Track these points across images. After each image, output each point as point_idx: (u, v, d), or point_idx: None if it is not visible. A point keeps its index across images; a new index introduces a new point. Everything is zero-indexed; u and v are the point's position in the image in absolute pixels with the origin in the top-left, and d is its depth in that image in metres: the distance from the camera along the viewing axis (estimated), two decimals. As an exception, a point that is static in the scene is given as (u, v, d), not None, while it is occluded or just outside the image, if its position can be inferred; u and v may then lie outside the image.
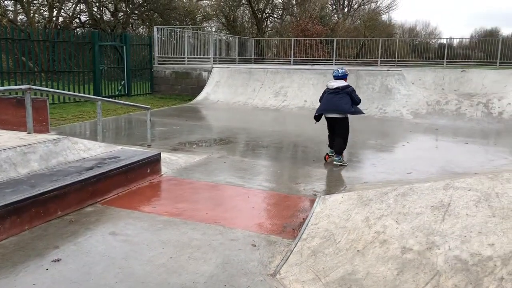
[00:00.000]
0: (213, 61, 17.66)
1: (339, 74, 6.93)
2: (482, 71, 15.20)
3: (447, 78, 15.03)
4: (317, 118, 7.06)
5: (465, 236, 3.10)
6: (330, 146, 7.16)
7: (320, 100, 7.07)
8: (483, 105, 12.15)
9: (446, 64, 19.73)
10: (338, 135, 6.84)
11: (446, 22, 70.12)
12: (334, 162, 6.75)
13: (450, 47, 22.26)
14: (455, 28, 70.23)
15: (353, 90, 6.80)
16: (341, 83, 6.78)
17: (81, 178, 4.42)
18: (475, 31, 46.67)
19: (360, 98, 6.93)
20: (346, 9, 37.10)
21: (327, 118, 6.97)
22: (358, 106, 6.87)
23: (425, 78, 15.23)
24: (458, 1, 68.98)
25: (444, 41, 23.08)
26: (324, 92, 6.99)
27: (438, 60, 21.29)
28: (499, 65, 18.91)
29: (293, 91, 14.40)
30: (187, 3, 30.94)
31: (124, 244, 3.62)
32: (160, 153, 5.79)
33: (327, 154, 7.12)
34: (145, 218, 4.22)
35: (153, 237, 3.78)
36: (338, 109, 6.67)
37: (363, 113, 7.13)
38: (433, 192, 3.76)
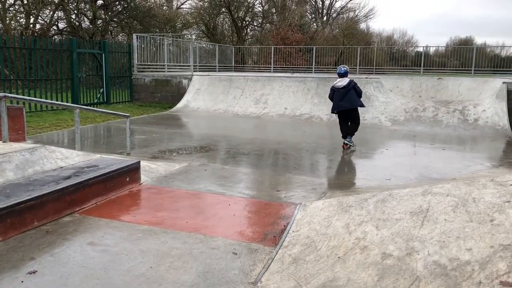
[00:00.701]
0: (193, 68, 17.63)
1: (342, 72, 8.59)
2: (458, 79, 15.56)
3: (424, 86, 15.34)
4: (337, 113, 8.71)
5: (444, 241, 3.14)
6: (344, 136, 8.68)
7: (330, 98, 8.74)
8: (459, 112, 12.40)
9: (423, 72, 20.11)
10: (354, 122, 8.66)
11: (422, 31, 71.58)
12: (348, 142, 8.58)
13: (427, 55, 22.74)
14: (431, 37, 71.73)
15: (355, 83, 8.54)
16: (345, 81, 8.46)
17: (58, 188, 4.33)
18: (451, 39, 47.74)
19: (360, 89, 8.64)
20: (325, 18, 37.56)
21: (341, 112, 8.57)
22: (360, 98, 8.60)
23: (402, 86, 15.52)
24: (433, 11, 70.52)
25: (420, 49, 23.51)
26: (332, 91, 8.63)
27: (415, 68, 21.68)
28: (474, 73, 19.35)
29: (273, 99, 14.46)
30: (167, 11, 30.89)
31: (102, 254, 3.56)
32: (139, 161, 5.73)
33: (344, 143, 8.68)
34: (124, 228, 4.16)
35: (133, 247, 3.72)
36: (352, 104, 8.41)
37: (364, 106, 9.01)
38: (412, 198, 3.80)
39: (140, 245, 3.77)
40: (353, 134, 8.67)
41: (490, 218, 3.22)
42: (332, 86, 8.65)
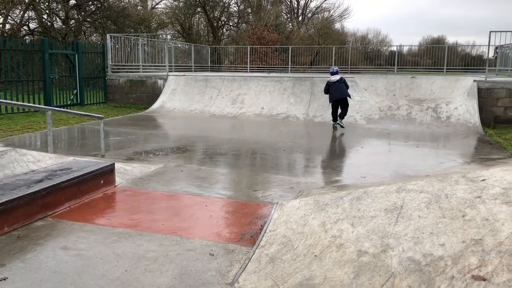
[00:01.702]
0: (169, 69, 17.47)
1: (334, 71, 11.39)
2: (431, 77, 15.86)
3: (398, 84, 15.57)
4: (334, 104, 11.29)
5: (418, 238, 3.19)
6: (335, 119, 11.38)
7: (325, 91, 11.36)
8: (432, 110, 12.63)
9: (397, 71, 20.41)
10: (344, 108, 11.24)
11: (396, 30, 72.73)
12: (339, 123, 11.23)
13: (400, 55, 23.10)
14: (404, 36, 72.94)
15: (345, 79, 11.26)
16: (338, 77, 11.10)
17: (30, 191, 4.23)
18: (423, 39, 48.59)
19: (347, 84, 11.39)
20: (300, 18, 37.77)
21: (335, 101, 11.15)
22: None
23: (377, 85, 15.72)
24: (405, 11, 71.72)
25: (394, 48, 23.90)
26: (328, 86, 11.19)
27: (389, 67, 22.00)
28: (446, 71, 19.76)
29: (250, 99, 14.46)
30: (142, 11, 30.54)
31: (76, 259, 3.49)
32: (114, 163, 5.64)
33: (334, 125, 11.47)
34: (99, 231, 4.09)
35: (107, 250, 3.66)
36: (342, 94, 11.03)
37: (351, 97, 11.44)
38: (386, 195, 3.85)
39: (115, 248, 3.71)
40: (344, 117, 11.29)
41: (462, 214, 3.29)
42: (328, 82, 11.24)
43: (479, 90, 12.54)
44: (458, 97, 12.99)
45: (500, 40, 13.93)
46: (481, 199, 3.37)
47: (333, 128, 11.41)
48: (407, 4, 70.81)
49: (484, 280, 2.63)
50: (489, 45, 13.48)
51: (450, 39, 51.62)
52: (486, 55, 18.22)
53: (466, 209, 3.32)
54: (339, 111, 11.34)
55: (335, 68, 11.55)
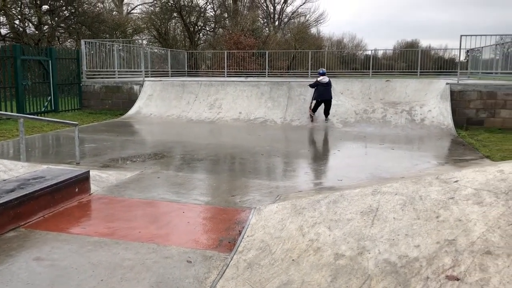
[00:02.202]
0: (145, 74, 17.33)
1: (323, 72, 13.12)
2: (405, 81, 16.14)
3: (373, 88, 15.81)
4: (319, 100, 12.91)
5: (393, 239, 3.23)
6: (314, 111, 13.05)
7: (312, 86, 12.96)
8: (407, 113, 12.85)
9: (372, 74, 20.72)
10: (329, 107, 12.84)
11: (370, 35, 73.87)
12: (326, 120, 12.83)
13: (375, 58, 23.48)
14: (379, 40, 74.14)
15: (331, 82, 13.02)
16: (327, 79, 12.81)
17: (0, 202, 4.12)
18: (397, 43, 49.42)
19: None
20: (276, 23, 37.99)
21: (321, 100, 12.78)
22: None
23: (353, 88, 15.93)
24: (380, 15, 72.95)
25: (369, 52, 24.25)
26: (317, 84, 12.78)
27: (365, 70, 22.33)
28: (420, 75, 20.15)
29: (227, 103, 14.45)
30: (117, 16, 30.24)
31: (50, 270, 3.41)
32: (89, 171, 5.55)
33: (311, 115, 13.10)
34: (74, 240, 4.01)
35: (82, 260, 3.59)
36: (330, 96, 12.77)
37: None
38: (362, 198, 3.89)
39: (91, 257, 3.64)
40: (328, 115, 12.85)
41: (436, 215, 3.35)
42: (317, 81, 12.81)
43: (452, 93, 12.82)
44: (432, 100, 13.25)
45: (471, 43, 14.31)
46: (454, 200, 3.44)
47: (311, 118, 13.07)
48: (380, 8, 72.05)
49: (458, 280, 2.68)
50: (460, 48, 13.80)
51: (424, 43, 52.67)
52: (458, 59, 18.65)
53: (440, 210, 3.38)
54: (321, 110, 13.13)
55: (324, 70, 13.43)
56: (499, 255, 2.76)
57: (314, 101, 13.05)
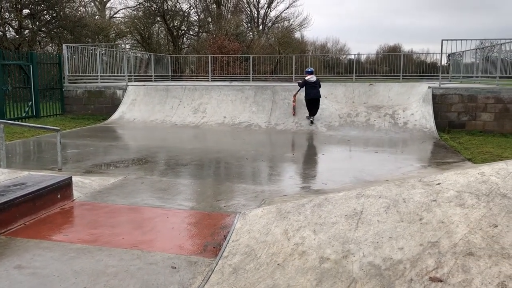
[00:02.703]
0: (128, 79, 17.20)
1: (310, 71, 13.35)
2: (388, 84, 16.30)
3: (356, 92, 15.93)
4: (307, 100, 12.97)
5: (378, 242, 3.25)
6: (310, 114, 13.01)
7: (301, 85, 13.11)
8: (390, 116, 12.99)
9: (355, 78, 20.88)
10: (316, 107, 12.97)
11: (353, 39, 74.60)
12: (311, 119, 12.93)
13: (359, 62, 23.67)
14: (362, 44, 74.89)
15: (320, 82, 13.25)
16: (314, 78, 12.98)
17: (-19, 209, 4.04)
18: (380, 47, 49.99)
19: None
20: (260, 27, 38.09)
21: (310, 99, 12.83)
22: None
23: (336, 92, 16.02)
24: (362, 20, 73.71)
25: (353, 57, 24.46)
26: (304, 83, 12.97)
27: (348, 74, 22.48)
28: (402, 78, 20.37)
29: (212, 108, 14.42)
30: (99, 20, 29.98)
31: (31, 278, 3.35)
32: (71, 177, 5.47)
33: (309, 118, 13.03)
34: (56, 248, 3.95)
35: (65, 267, 3.54)
36: (318, 95, 12.88)
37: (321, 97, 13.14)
38: (346, 201, 3.91)
39: (73, 265, 3.59)
40: (315, 114, 13.01)
41: (419, 217, 3.38)
42: (305, 80, 13.00)
43: (434, 96, 13.00)
44: (414, 103, 13.41)
45: (452, 48, 14.56)
46: (437, 203, 3.48)
47: (310, 121, 13.02)
48: (363, 12, 72.81)
49: (441, 281, 2.71)
50: (441, 52, 14.03)
51: (406, 47, 53.35)
52: (440, 63, 18.94)
53: (423, 213, 3.42)
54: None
55: (311, 69, 13.64)
56: (481, 256, 2.80)
57: (301, 90, 13.24)
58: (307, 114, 13.14)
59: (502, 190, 3.37)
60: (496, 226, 3.03)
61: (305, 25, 38.82)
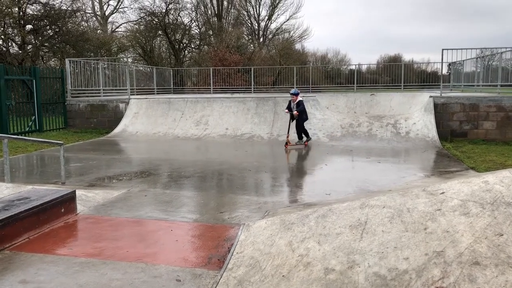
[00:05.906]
0: (131, 92, 17.30)
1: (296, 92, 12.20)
2: (389, 94, 16.36)
3: (358, 102, 15.98)
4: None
5: (383, 252, 3.24)
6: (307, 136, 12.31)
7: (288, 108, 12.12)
8: (392, 126, 12.99)
9: (357, 89, 20.96)
10: (298, 128, 12.09)
11: (354, 49, 74.91)
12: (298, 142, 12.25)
13: (360, 73, 23.76)
14: (362, 54, 75.22)
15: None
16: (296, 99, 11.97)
17: (-15, 224, 4.04)
18: (381, 57, 50.15)
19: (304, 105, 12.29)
20: (261, 39, 38.32)
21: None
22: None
23: (338, 103, 16.08)
24: (362, 30, 74.14)
25: (353, 67, 24.57)
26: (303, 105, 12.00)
27: (349, 85, 22.57)
28: (404, 88, 20.45)
29: (214, 120, 14.46)
30: (101, 35, 30.22)
31: (36, 293, 3.34)
32: (74, 191, 5.48)
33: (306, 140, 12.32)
34: (60, 262, 3.94)
35: (69, 281, 3.53)
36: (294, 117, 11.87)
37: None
38: (350, 212, 3.90)
39: (78, 278, 3.58)
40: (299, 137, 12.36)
41: (424, 227, 3.37)
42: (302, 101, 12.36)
43: (435, 106, 13.02)
44: (416, 113, 13.43)
45: (452, 57, 14.62)
46: (441, 212, 3.47)
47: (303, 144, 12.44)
48: (363, 23, 73.23)
49: (447, 291, 2.69)
50: (442, 62, 14.06)
51: (406, 57, 53.54)
52: (440, 72, 18.99)
53: (428, 222, 3.41)
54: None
55: (295, 90, 12.33)
56: (487, 265, 2.79)
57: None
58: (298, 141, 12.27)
59: (506, 199, 3.36)
60: (502, 235, 3.02)
61: (305, 37, 39.04)
